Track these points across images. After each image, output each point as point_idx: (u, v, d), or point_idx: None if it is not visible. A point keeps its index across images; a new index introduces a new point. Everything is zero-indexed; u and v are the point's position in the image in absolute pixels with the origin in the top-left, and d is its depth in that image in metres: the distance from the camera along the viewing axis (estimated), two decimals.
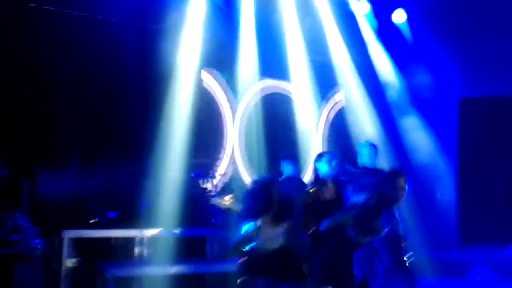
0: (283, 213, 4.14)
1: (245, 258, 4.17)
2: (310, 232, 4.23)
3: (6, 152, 3.82)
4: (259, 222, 4.08)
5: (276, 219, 4.12)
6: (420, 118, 8.35)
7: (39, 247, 3.53)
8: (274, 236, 4.07)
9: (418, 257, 4.81)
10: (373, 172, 4.69)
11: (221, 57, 7.89)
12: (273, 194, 4.12)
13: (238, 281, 4.36)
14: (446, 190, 8.09)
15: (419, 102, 8.45)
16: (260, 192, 4.11)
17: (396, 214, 4.39)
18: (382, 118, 8.40)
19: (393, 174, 4.02)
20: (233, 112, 8.14)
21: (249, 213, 4.15)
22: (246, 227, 4.15)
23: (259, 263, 4.05)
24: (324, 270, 3.80)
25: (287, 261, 4.03)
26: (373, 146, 5.24)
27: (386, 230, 3.87)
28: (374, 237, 3.87)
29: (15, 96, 6.06)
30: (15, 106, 6.01)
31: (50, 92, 6.34)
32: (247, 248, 4.17)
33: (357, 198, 4.01)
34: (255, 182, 4.39)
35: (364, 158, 5.05)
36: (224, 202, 4.92)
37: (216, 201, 5.04)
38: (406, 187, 3.93)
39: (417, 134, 8.21)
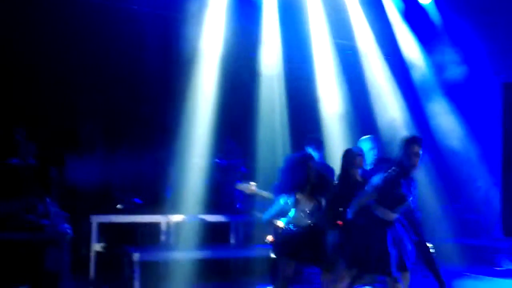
0: (320, 187, 4.17)
1: (274, 239, 4.21)
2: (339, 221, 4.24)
3: (35, 141, 3.92)
4: (296, 196, 4.09)
5: (313, 194, 4.13)
6: (449, 102, 8.11)
7: (68, 231, 3.62)
8: (308, 212, 4.08)
9: (446, 244, 4.75)
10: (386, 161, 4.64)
11: (244, 44, 7.84)
12: (310, 168, 4.12)
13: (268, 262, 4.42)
14: (482, 178, 7.80)
15: (448, 85, 8.18)
16: (298, 166, 4.14)
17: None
18: (409, 103, 8.21)
19: (407, 141, 3.93)
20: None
21: (286, 187, 4.15)
22: (282, 201, 4.16)
23: (288, 243, 4.05)
24: (358, 253, 3.77)
25: (316, 242, 4.04)
26: (374, 140, 5.20)
27: (411, 198, 3.81)
28: (401, 207, 3.80)
29: (42, 86, 6.17)
30: (42, 96, 6.13)
31: (75, 81, 6.43)
32: (282, 220, 4.17)
33: (376, 178, 3.99)
34: (292, 157, 4.39)
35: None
36: (249, 188, 4.93)
37: (241, 186, 5.05)
38: (421, 152, 3.82)
39: (446, 118, 7.98)
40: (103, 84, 6.69)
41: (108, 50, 6.65)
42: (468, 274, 6.45)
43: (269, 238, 4.65)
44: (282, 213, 4.26)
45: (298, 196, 4.13)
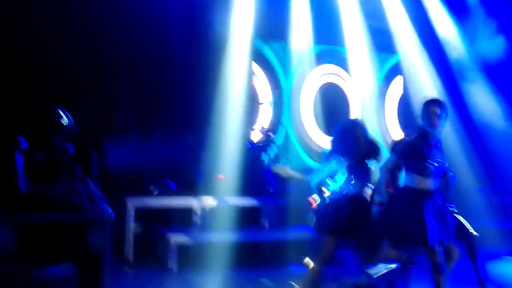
0: (371, 153, 4.10)
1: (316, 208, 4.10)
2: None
3: (77, 125, 4.03)
4: (346, 162, 4.01)
5: (363, 161, 4.06)
6: (488, 81, 7.85)
7: (110, 213, 3.72)
8: (357, 179, 4.00)
9: (484, 227, 4.66)
10: None
11: (274, 27, 7.79)
12: (360, 134, 4.06)
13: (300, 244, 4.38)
14: None
15: (486, 63, 7.90)
16: (347, 132, 4.05)
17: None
18: (446, 84, 7.99)
19: (426, 102, 3.84)
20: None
21: (336, 153, 4.07)
22: (332, 166, 4.07)
23: (331, 215, 3.97)
24: (400, 230, 3.68)
25: (361, 215, 3.96)
26: None
27: (438, 159, 3.71)
28: (431, 171, 3.70)
29: (78, 72, 6.30)
30: (79, 81, 6.25)
31: (109, 67, 6.52)
32: (329, 188, 4.09)
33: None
34: (341, 123, 4.28)
35: None
36: (284, 170, 4.92)
37: (277, 168, 5.03)
38: (439, 112, 3.71)
39: (484, 97, 7.73)
40: (136, 70, 6.77)
41: (138, 36, 6.70)
42: (505, 256, 6.34)
43: (313, 202, 4.52)
44: (331, 179, 4.13)
45: (348, 162, 4.01)
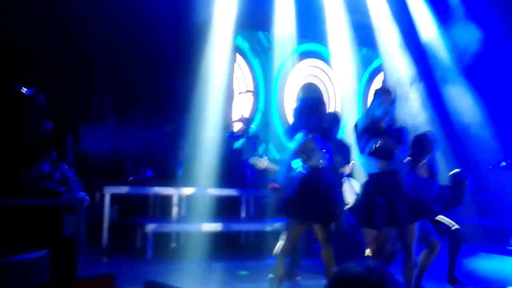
0: (330, 133, 4.06)
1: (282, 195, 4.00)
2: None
3: (51, 108, 3.92)
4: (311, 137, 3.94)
5: (325, 138, 4.01)
6: (466, 82, 7.93)
7: (85, 198, 3.65)
8: (319, 156, 3.93)
9: (460, 223, 4.72)
10: None
11: (257, 17, 7.75)
12: (324, 112, 4.01)
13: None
14: (494, 157, 7.67)
15: (466, 65, 7.98)
16: (313, 108, 3.97)
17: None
18: (425, 81, 8.06)
19: (376, 91, 3.86)
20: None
21: (300, 128, 3.98)
22: (299, 139, 3.96)
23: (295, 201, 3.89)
24: (386, 213, 3.65)
25: (325, 195, 3.88)
26: None
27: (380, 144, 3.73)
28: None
29: (56, 58, 6.16)
30: (55, 67, 6.11)
31: (88, 53, 6.39)
32: (297, 167, 3.96)
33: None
34: (307, 99, 4.24)
35: None
36: (262, 162, 4.87)
37: (254, 160, 5.00)
38: (389, 100, 3.73)
39: (462, 98, 7.82)
40: (117, 56, 6.66)
41: (119, 22, 6.58)
42: (480, 253, 6.47)
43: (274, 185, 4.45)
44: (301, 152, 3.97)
45: (312, 137, 3.93)
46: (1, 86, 4.14)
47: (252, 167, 6.63)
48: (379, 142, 3.67)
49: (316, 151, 3.92)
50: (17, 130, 3.60)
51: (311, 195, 3.88)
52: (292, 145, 4.00)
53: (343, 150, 4.78)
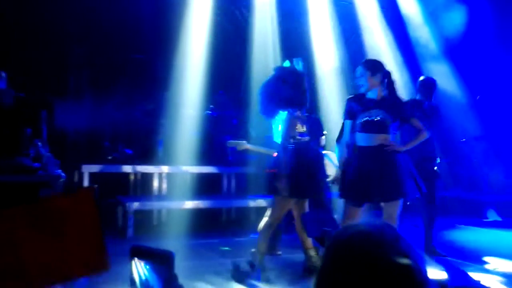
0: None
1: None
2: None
3: (25, 82, 3.80)
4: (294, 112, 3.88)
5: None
6: (450, 64, 7.78)
7: (61, 174, 3.57)
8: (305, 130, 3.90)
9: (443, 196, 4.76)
10: None
11: None
12: (304, 85, 3.94)
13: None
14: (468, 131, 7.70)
15: (451, 47, 7.89)
16: (291, 82, 3.85)
17: None
18: (408, 64, 7.98)
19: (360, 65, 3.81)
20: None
21: (276, 100, 3.87)
22: (286, 120, 3.87)
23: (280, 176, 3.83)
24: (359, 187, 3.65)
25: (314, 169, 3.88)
26: None
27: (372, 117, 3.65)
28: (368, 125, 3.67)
29: (32, 33, 5.97)
30: (31, 43, 5.93)
31: (65, 28, 6.23)
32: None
33: None
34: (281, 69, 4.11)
35: None
36: (240, 145, 4.82)
37: (232, 143, 4.94)
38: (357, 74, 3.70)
39: (447, 81, 7.75)
40: (93, 32, 6.50)
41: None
42: (457, 225, 6.59)
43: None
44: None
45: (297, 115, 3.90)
46: None
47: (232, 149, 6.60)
48: (379, 115, 3.64)
49: (299, 128, 3.89)
50: None
51: (299, 171, 3.86)
52: (278, 126, 3.94)
53: (315, 123, 4.76)
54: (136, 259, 1.70)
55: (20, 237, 1.63)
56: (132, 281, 1.69)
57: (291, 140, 3.90)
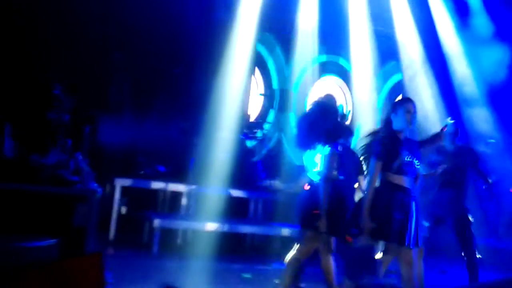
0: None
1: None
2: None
3: (70, 99, 3.96)
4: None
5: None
6: (492, 109, 7.54)
7: (98, 189, 3.67)
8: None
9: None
10: None
11: (280, 21, 7.74)
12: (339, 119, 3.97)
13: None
14: None
15: (493, 90, 7.60)
16: (329, 115, 3.87)
17: None
18: (447, 103, 7.80)
19: (400, 101, 3.78)
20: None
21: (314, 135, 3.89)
22: (328, 154, 3.86)
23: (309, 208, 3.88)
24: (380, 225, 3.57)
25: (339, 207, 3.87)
26: None
27: (411, 158, 3.58)
28: (404, 166, 3.57)
29: (78, 45, 6.20)
30: (77, 55, 6.15)
31: (107, 42, 6.42)
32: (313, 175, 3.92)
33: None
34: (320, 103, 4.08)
35: None
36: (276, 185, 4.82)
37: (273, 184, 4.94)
38: (413, 110, 3.64)
39: (487, 126, 7.44)
40: (137, 47, 6.68)
41: (145, 13, 6.60)
42: None
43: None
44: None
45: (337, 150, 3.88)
46: (24, 78, 4.17)
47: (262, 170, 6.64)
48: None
49: (338, 164, 3.89)
50: (39, 120, 3.64)
51: (337, 209, 3.87)
52: (320, 159, 3.92)
53: (354, 159, 4.74)
54: None
55: None
56: None
57: (331, 176, 3.90)
